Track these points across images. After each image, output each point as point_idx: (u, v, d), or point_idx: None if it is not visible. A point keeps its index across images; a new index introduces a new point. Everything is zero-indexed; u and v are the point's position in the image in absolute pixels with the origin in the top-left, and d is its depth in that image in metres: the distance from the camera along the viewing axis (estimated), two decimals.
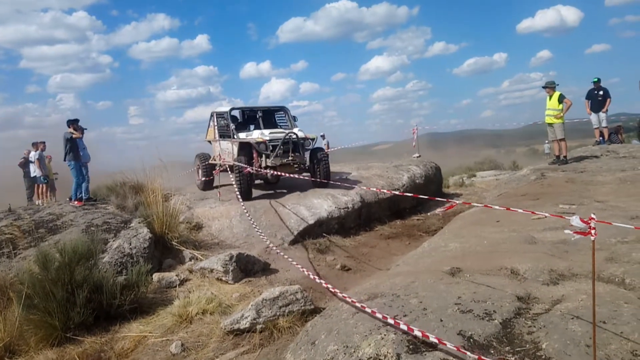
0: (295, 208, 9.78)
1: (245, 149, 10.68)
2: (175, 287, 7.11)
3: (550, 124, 11.25)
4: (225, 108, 11.88)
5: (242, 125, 12.25)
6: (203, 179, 12.39)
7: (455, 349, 3.17)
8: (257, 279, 7.40)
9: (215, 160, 12.23)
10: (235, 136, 11.02)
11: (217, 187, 11.49)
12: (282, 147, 10.24)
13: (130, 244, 7.67)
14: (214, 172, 12.23)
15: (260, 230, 8.51)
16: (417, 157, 15.04)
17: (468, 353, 3.13)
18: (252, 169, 9.90)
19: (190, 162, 13.65)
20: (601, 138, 14.17)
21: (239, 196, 9.53)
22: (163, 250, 8.33)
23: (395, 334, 3.59)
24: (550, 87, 11.17)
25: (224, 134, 11.62)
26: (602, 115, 13.82)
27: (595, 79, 13.78)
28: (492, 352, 3.25)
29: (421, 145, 16.46)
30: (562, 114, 11.13)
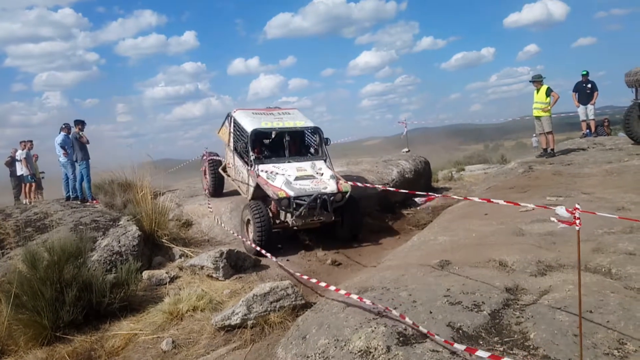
0: None
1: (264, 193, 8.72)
2: (166, 284, 7.09)
3: (538, 117, 11.34)
4: (246, 123, 9.43)
5: (265, 148, 10.04)
6: (212, 184, 10.95)
7: (443, 341, 3.20)
8: (248, 275, 7.39)
9: (227, 171, 10.57)
10: (254, 168, 8.80)
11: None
12: (308, 206, 8.29)
13: (119, 242, 7.63)
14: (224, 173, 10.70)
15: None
16: (407, 151, 15.09)
17: (456, 344, 3.16)
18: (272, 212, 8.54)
19: (180, 160, 13.59)
20: (588, 130, 14.30)
21: (257, 245, 7.91)
22: (152, 247, 8.30)
23: (385, 326, 3.62)
24: (537, 80, 11.25)
25: (242, 153, 9.53)
26: (589, 107, 13.94)
27: (584, 72, 13.90)
28: (481, 342, 3.29)
29: (410, 140, 16.51)
30: (549, 107, 11.22)
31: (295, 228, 8.56)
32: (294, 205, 8.24)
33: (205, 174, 11.24)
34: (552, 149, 11.61)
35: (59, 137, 11.26)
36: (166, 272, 7.35)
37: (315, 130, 9.86)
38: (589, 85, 13.79)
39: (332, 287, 4.76)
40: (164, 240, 8.41)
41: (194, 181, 12.95)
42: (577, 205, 2.58)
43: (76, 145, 11.00)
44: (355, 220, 9.05)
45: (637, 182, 7.89)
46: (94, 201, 10.98)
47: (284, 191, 8.28)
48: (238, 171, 9.76)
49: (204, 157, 11.19)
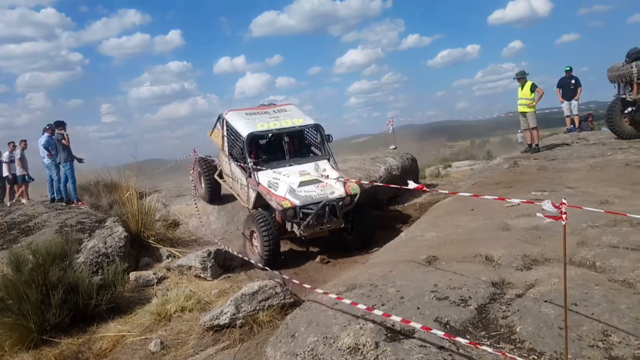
0: None
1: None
2: (153, 285, 7.06)
3: (523, 113, 11.42)
4: (241, 127, 8.72)
5: (263, 150, 9.34)
6: (208, 192, 10.15)
7: (443, 335, 3.22)
8: (236, 275, 7.39)
9: (224, 178, 9.81)
10: (253, 175, 8.14)
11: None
12: (315, 214, 7.66)
13: (106, 243, 7.57)
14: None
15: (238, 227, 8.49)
16: (394, 149, 15.13)
17: (459, 338, 3.18)
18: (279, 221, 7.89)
19: (167, 160, 13.46)
20: (572, 126, 14.44)
21: (264, 263, 7.22)
22: (139, 248, 8.25)
23: (373, 323, 3.63)
24: (521, 77, 11.34)
25: (238, 158, 8.84)
26: (573, 103, 14.08)
27: (568, 68, 14.03)
28: (468, 337, 3.31)
29: (397, 137, 16.55)
30: (534, 103, 11.31)
31: (303, 238, 7.98)
32: (301, 215, 7.59)
33: (199, 180, 10.45)
34: (537, 145, 11.71)
35: (43, 138, 11.11)
36: (153, 273, 7.32)
37: (316, 128, 9.15)
38: (573, 81, 13.93)
39: (319, 290, 4.72)
40: (150, 241, 8.37)
41: (181, 181, 12.88)
42: (563, 200, 2.61)
43: (59, 146, 10.87)
44: (367, 226, 8.38)
45: (620, 176, 7.99)
46: (79, 202, 10.87)
47: (288, 201, 7.59)
48: (236, 178, 9.03)
49: (194, 157, 10.49)
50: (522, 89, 11.33)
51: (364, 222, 8.33)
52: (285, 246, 8.62)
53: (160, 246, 8.34)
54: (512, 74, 11.79)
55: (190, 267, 7.28)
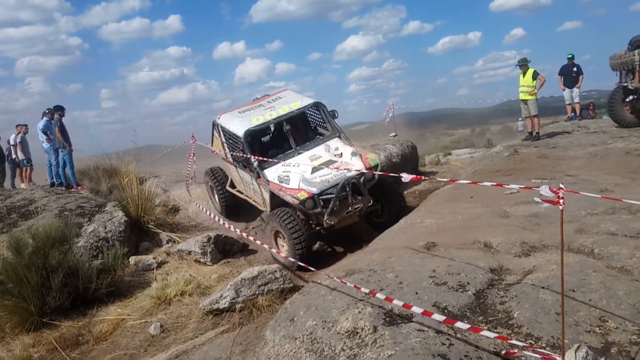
0: None
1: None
2: (153, 269, 7.09)
3: (525, 101, 11.39)
4: (236, 126, 8.04)
5: (268, 147, 8.68)
6: (224, 205, 9.30)
7: (444, 320, 3.24)
8: (236, 260, 7.42)
9: (236, 187, 9.02)
10: (262, 175, 7.45)
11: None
12: (338, 197, 6.99)
13: (106, 228, 7.59)
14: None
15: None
16: (394, 136, 15.11)
17: (458, 323, 3.20)
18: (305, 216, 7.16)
19: (166, 146, 13.44)
20: (573, 114, 14.42)
21: (299, 260, 6.39)
22: (139, 233, 8.28)
23: (372, 307, 3.66)
24: (523, 64, 11.29)
25: (242, 162, 8.07)
26: (575, 91, 14.05)
27: (570, 55, 13.98)
28: (466, 322, 3.33)
29: (398, 124, 16.53)
30: (536, 91, 11.27)
31: (334, 228, 7.28)
32: (322, 203, 6.97)
33: (212, 194, 9.69)
34: (537, 133, 11.69)
35: (41, 123, 11.07)
36: (153, 258, 7.35)
37: (317, 106, 8.46)
38: (575, 69, 13.88)
39: (322, 272, 4.76)
40: (150, 226, 8.39)
41: (180, 167, 12.89)
42: (561, 185, 2.61)
43: (60, 132, 10.84)
44: (396, 203, 7.77)
45: (620, 164, 7.99)
46: (79, 187, 10.88)
47: (304, 191, 6.94)
48: (247, 184, 8.32)
49: (206, 174, 9.71)
50: (523, 76, 11.28)
51: (392, 199, 7.73)
52: None
53: (160, 231, 8.37)
54: (513, 61, 11.75)
55: (190, 252, 7.31)
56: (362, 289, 3.90)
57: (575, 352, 2.64)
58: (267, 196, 7.54)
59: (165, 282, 6.26)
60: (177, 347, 4.86)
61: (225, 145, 8.40)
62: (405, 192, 11.34)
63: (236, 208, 9.20)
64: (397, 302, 3.51)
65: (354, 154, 7.59)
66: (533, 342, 3.04)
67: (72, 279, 5.85)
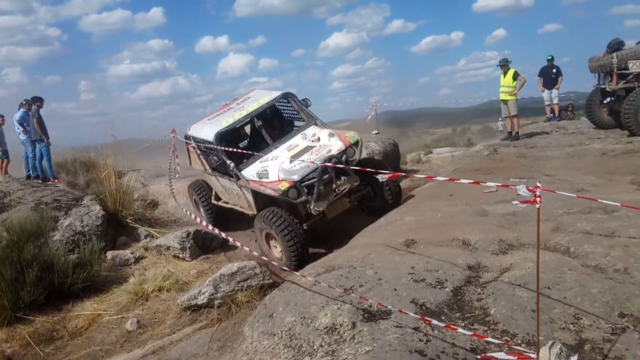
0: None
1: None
2: (131, 264, 7.01)
3: (505, 101, 11.51)
4: (206, 133, 7.67)
5: (246, 149, 7.92)
6: (210, 218, 8.68)
7: (419, 318, 3.25)
8: (216, 256, 7.36)
9: (221, 199, 8.52)
10: (241, 177, 7.04)
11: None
12: (321, 181, 6.63)
13: (82, 222, 7.48)
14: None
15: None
16: (376, 133, 15.15)
17: (413, 315, 3.22)
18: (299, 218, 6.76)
19: (146, 140, 13.24)
20: (552, 115, 14.63)
21: (294, 268, 5.90)
22: (117, 228, 8.18)
23: (351, 304, 3.66)
24: (504, 64, 11.41)
25: (219, 169, 7.74)
26: (554, 92, 14.26)
27: (549, 57, 14.17)
28: (443, 318, 3.36)
29: (380, 122, 16.59)
30: (516, 91, 11.40)
31: (325, 217, 6.89)
32: (306, 190, 6.61)
33: (197, 208, 9.12)
34: (517, 132, 11.83)
35: (18, 114, 10.81)
36: (131, 253, 7.26)
37: (286, 97, 8.15)
38: (554, 70, 14.08)
39: (297, 273, 4.70)
40: (128, 221, 8.29)
41: (160, 161, 12.74)
42: (538, 184, 2.64)
43: (38, 124, 10.59)
44: (389, 185, 7.40)
45: (597, 164, 8.14)
46: (56, 180, 10.66)
47: (284, 181, 6.59)
48: (229, 191, 7.89)
49: (190, 188, 9.22)
50: (504, 76, 11.40)
51: (385, 185, 7.32)
52: None
53: (138, 226, 8.26)
54: (495, 62, 11.87)
55: (168, 247, 7.23)
56: (336, 289, 3.89)
57: (550, 349, 2.68)
58: (250, 197, 7.17)
59: (143, 277, 6.18)
60: (154, 343, 4.81)
61: (201, 156, 7.99)
62: None
63: (224, 220, 8.66)
64: (372, 301, 3.51)
65: (331, 134, 7.33)
66: (509, 339, 3.08)
67: (47, 273, 5.75)
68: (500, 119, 18.04)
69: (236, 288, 5.41)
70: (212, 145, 7.40)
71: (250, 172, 7.03)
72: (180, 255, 7.14)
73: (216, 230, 6.69)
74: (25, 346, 5.04)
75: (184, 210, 9.06)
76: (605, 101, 10.85)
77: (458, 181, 3.44)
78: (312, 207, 6.62)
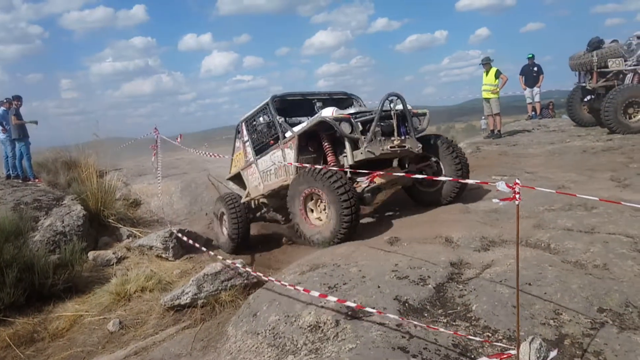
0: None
1: (311, 141, 6.28)
2: (113, 265, 6.95)
3: (487, 99, 11.62)
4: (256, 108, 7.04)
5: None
6: (234, 233, 7.33)
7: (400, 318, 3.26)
8: (199, 255, 7.32)
9: (250, 195, 7.57)
10: (288, 131, 6.35)
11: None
12: (379, 123, 5.77)
13: (63, 222, 7.39)
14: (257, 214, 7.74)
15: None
16: None
17: (392, 315, 3.23)
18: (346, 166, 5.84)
19: (129, 138, 13.12)
20: (534, 113, 14.81)
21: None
22: (99, 228, 8.10)
23: (335, 302, 3.66)
24: (486, 63, 11.51)
25: (262, 147, 6.96)
26: (535, 90, 14.44)
27: (530, 55, 14.34)
28: (426, 315, 3.38)
29: None
30: (498, 89, 11.52)
31: (372, 199, 6.14)
32: (360, 128, 5.69)
33: (220, 224, 7.84)
34: (499, 130, 11.96)
35: None
36: (113, 253, 7.20)
37: (347, 97, 7.52)
38: (535, 69, 14.25)
39: (272, 278, 4.58)
40: (110, 220, 8.21)
41: (143, 160, 12.63)
42: (517, 180, 2.67)
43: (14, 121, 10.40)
44: (462, 164, 6.22)
45: (577, 162, 8.25)
46: (36, 180, 10.50)
47: (340, 113, 5.85)
48: (268, 171, 6.88)
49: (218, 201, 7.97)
50: (487, 75, 11.51)
51: (459, 159, 6.19)
52: (253, 229, 8.56)
53: (120, 226, 8.19)
54: (477, 61, 11.99)
55: (151, 247, 7.18)
56: (312, 293, 3.78)
57: (530, 344, 2.71)
58: (292, 155, 6.19)
59: (125, 277, 6.13)
60: (137, 344, 4.77)
61: (247, 143, 7.29)
62: None
63: (247, 240, 7.60)
64: (350, 304, 3.46)
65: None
66: (490, 335, 3.11)
67: (27, 274, 5.68)
68: (483, 117, 18.22)
69: (220, 287, 5.39)
70: (265, 108, 6.78)
71: (297, 128, 6.37)
72: (163, 255, 7.10)
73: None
74: (5, 348, 4.97)
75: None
76: (585, 99, 11.01)
77: (437, 179, 3.46)
78: (364, 147, 5.64)
